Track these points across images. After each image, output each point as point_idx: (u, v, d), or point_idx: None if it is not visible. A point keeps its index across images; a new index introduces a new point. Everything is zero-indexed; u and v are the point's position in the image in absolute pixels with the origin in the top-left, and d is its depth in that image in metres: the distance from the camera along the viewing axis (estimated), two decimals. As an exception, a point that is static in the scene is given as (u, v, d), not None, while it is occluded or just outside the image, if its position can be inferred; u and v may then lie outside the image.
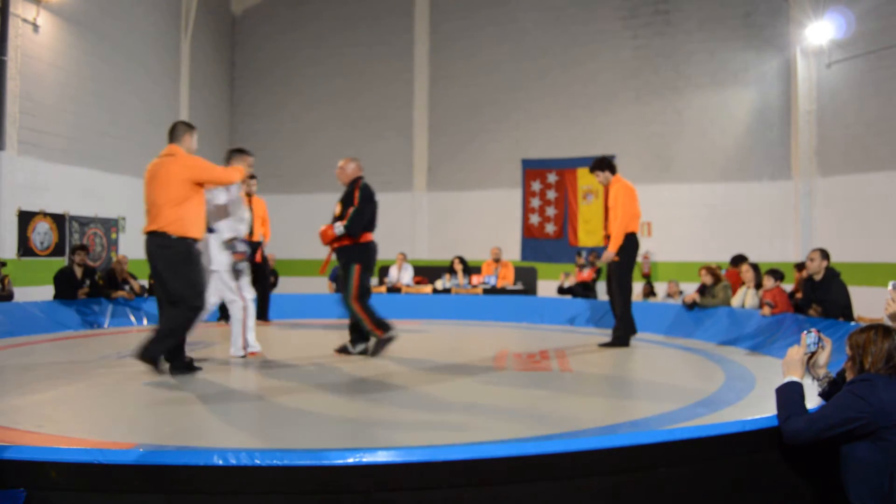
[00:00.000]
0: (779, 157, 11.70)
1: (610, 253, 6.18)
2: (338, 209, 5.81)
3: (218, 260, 5.34)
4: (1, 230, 9.03)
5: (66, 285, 7.74)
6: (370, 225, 5.70)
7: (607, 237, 6.33)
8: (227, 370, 5.02)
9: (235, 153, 5.39)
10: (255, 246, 8.05)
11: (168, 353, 4.61)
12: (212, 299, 5.25)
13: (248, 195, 8.08)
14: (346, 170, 5.93)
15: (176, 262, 4.42)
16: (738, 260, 8.69)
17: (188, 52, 12.98)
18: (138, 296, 8.31)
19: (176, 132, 4.72)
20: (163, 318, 4.58)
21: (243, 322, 5.41)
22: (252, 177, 8.25)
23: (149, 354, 4.37)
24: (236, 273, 5.42)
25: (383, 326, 5.52)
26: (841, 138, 11.04)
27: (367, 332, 5.55)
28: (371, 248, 5.78)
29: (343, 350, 5.71)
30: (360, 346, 5.68)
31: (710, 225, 11.96)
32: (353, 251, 5.63)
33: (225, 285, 5.39)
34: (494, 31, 13.43)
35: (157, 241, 4.44)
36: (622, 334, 6.30)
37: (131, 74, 11.50)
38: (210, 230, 5.24)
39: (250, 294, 5.54)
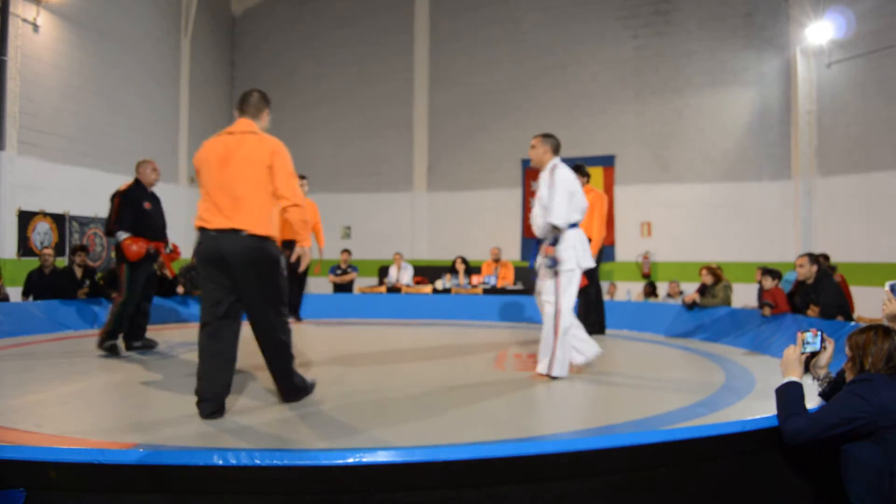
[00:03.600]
0: (779, 157, 11.70)
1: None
2: None
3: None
4: (1, 230, 9.03)
5: (66, 285, 7.74)
6: (134, 227, 5.58)
7: None
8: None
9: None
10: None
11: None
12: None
13: None
14: None
15: (269, 269, 3.49)
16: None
17: (188, 51, 12.98)
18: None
19: (250, 102, 3.64)
20: (266, 342, 3.62)
21: (555, 330, 4.65)
22: (302, 177, 8.29)
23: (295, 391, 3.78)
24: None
25: (111, 336, 5.56)
26: (841, 138, 11.04)
27: (105, 331, 5.59)
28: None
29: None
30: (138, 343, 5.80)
31: (710, 225, 11.96)
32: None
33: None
34: (494, 30, 13.44)
35: (243, 244, 3.39)
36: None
37: (131, 74, 11.50)
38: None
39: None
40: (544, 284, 4.77)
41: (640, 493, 2.29)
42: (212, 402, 3.40)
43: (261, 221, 3.43)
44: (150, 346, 5.86)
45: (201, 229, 3.48)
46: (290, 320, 8.47)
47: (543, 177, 4.81)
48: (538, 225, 4.83)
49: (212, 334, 3.46)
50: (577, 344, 4.87)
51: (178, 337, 6.86)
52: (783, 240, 11.50)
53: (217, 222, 3.42)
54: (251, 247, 3.40)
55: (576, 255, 4.69)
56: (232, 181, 3.42)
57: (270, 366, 3.68)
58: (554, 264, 4.67)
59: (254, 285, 3.44)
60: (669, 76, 12.34)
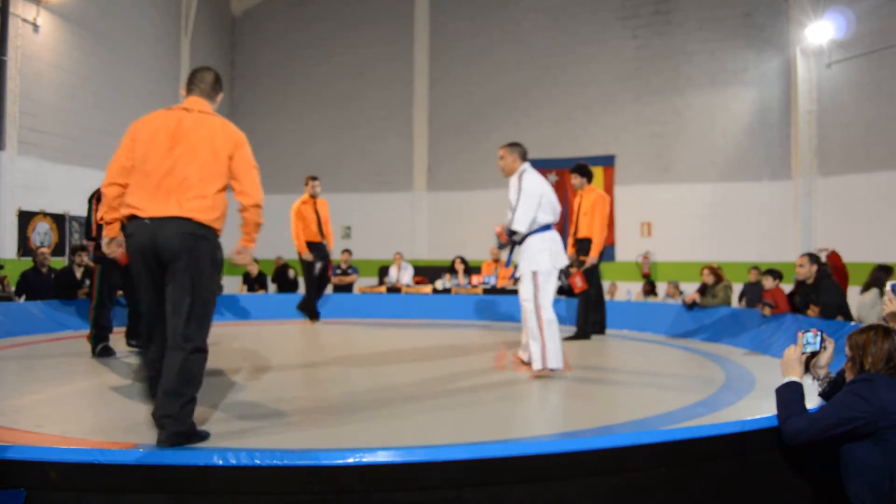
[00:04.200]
0: (779, 157, 11.70)
1: (594, 258, 6.76)
2: None
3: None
4: (1, 230, 9.03)
5: (65, 285, 7.74)
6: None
7: (578, 240, 6.92)
8: (229, 371, 5.01)
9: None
10: (320, 247, 8.14)
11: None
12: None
13: (313, 197, 8.16)
14: None
15: (204, 261, 2.91)
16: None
17: (188, 52, 12.98)
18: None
19: (205, 81, 3.19)
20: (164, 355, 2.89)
21: (539, 325, 4.74)
22: (314, 178, 8.30)
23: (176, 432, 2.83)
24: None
25: (98, 340, 5.49)
26: (841, 138, 11.05)
27: (89, 336, 5.51)
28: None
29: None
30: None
31: (711, 225, 11.96)
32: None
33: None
34: (495, 31, 13.44)
35: (182, 229, 2.85)
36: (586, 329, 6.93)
37: (131, 74, 11.51)
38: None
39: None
40: (522, 286, 4.89)
41: (640, 493, 2.29)
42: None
43: (207, 211, 2.90)
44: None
45: (132, 218, 2.90)
46: (307, 321, 8.23)
47: (512, 182, 4.97)
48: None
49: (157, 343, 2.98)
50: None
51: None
52: (783, 240, 11.50)
53: (154, 209, 2.85)
54: (190, 232, 2.84)
55: (551, 256, 4.84)
56: (184, 162, 2.90)
57: (161, 385, 2.84)
58: (501, 246, 4.99)
59: (181, 273, 2.82)
60: (669, 76, 12.34)
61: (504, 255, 5.26)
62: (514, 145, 5.10)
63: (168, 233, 2.82)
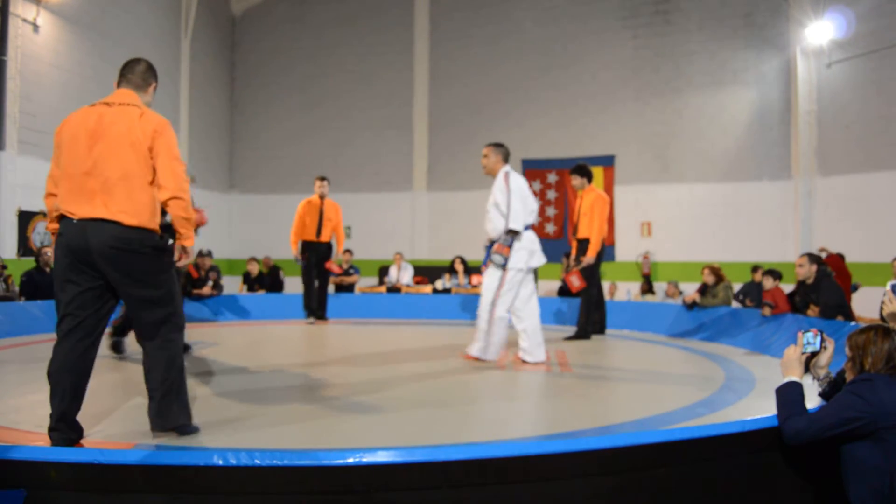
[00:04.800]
0: (779, 157, 11.71)
1: (591, 258, 6.80)
2: None
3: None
4: (1, 230, 9.03)
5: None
6: None
7: (578, 240, 7.00)
8: (229, 370, 5.02)
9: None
10: (325, 247, 8.16)
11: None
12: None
13: (321, 197, 8.17)
14: None
15: (147, 265, 2.84)
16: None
17: (188, 51, 12.99)
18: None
19: (135, 72, 3.14)
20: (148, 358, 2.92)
21: (490, 318, 5.09)
22: (322, 178, 8.32)
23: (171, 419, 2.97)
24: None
25: (117, 333, 5.29)
26: (841, 138, 11.05)
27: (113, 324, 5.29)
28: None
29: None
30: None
31: (710, 225, 11.97)
32: None
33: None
34: (494, 30, 13.45)
35: (113, 233, 2.74)
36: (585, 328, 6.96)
37: (131, 74, 11.51)
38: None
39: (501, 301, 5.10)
40: (487, 277, 5.09)
41: (640, 493, 2.29)
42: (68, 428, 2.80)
43: (137, 211, 2.76)
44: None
45: (62, 218, 2.81)
46: (313, 321, 8.25)
47: (498, 184, 5.11)
48: (495, 227, 5.13)
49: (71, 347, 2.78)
50: (525, 345, 5.27)
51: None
52: (783, 240, 11.51)
53: (83, 211, 2.74)
54: (123, 237, 2.73)
55: (528, 257, 5.07)
56: (104, 161, 2.77)
57: (148, 383, 2.92)
58: (505, 262, 5.03)
59: (130, 286, 2.79)
60: (669, 76, 12.35)
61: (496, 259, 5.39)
62: (498, 145, 5.25)
63: (101, 236, 2.72)
